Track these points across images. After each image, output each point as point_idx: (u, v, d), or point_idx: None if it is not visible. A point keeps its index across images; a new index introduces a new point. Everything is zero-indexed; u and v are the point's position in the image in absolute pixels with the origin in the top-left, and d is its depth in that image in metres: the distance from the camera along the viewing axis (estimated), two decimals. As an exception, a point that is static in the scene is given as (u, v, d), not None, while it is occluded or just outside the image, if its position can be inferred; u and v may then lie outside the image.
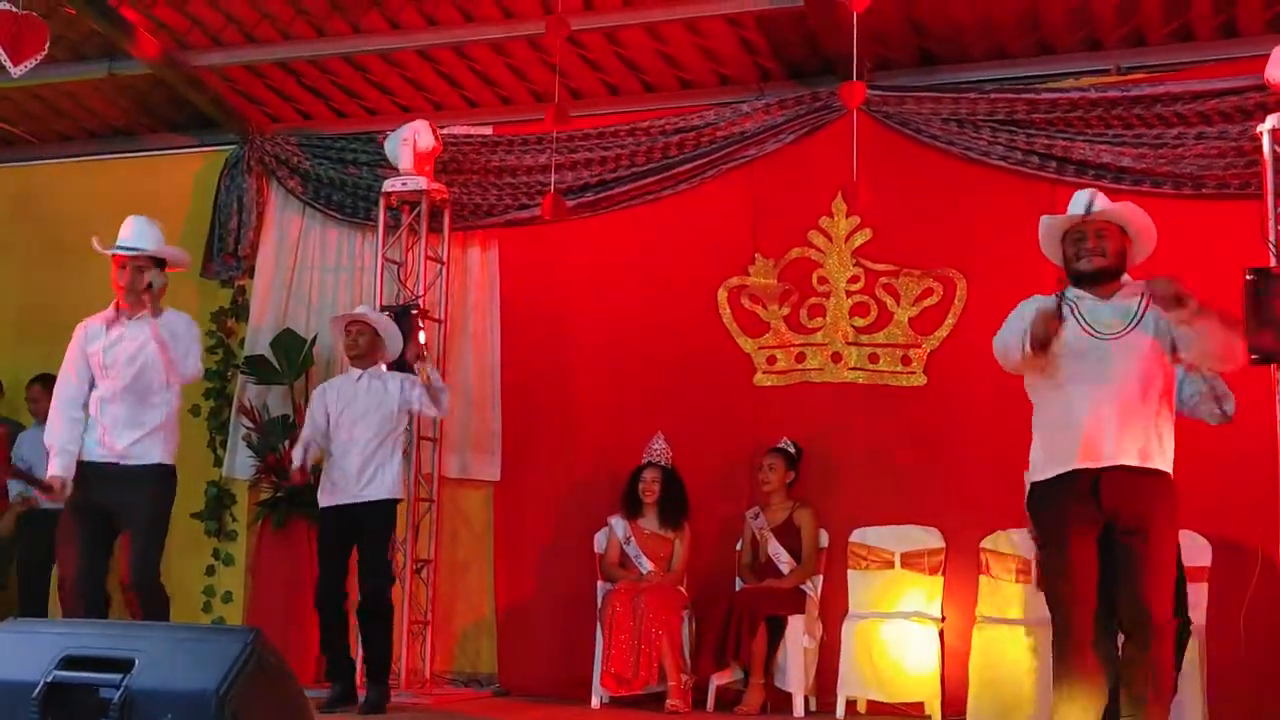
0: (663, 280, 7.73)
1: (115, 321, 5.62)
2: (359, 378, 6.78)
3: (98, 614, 5.44)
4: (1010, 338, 4.44)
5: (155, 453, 5.52)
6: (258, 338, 8.24)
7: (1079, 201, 4.56)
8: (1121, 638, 4.31)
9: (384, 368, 6.88)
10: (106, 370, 5.55)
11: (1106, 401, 4.30)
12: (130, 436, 5.50)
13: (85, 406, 5.61)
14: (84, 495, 5.54)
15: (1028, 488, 4.51)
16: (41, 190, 8.97)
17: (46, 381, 7.87)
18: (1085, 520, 4.27)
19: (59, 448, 5.53)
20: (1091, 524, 4.27)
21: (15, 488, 8.01)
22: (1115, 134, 6.96)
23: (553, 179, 7.33)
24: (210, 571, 8.27)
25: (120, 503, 5.44)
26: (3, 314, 8.83)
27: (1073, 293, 4.47)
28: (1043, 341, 4.27)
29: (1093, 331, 4.38)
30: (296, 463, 6.64)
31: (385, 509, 6.65)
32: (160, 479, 5.55)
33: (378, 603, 6.57)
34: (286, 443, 7.73)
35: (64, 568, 5.54)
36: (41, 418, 8.32)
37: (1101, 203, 4.52)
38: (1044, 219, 4.63)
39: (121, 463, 5.49)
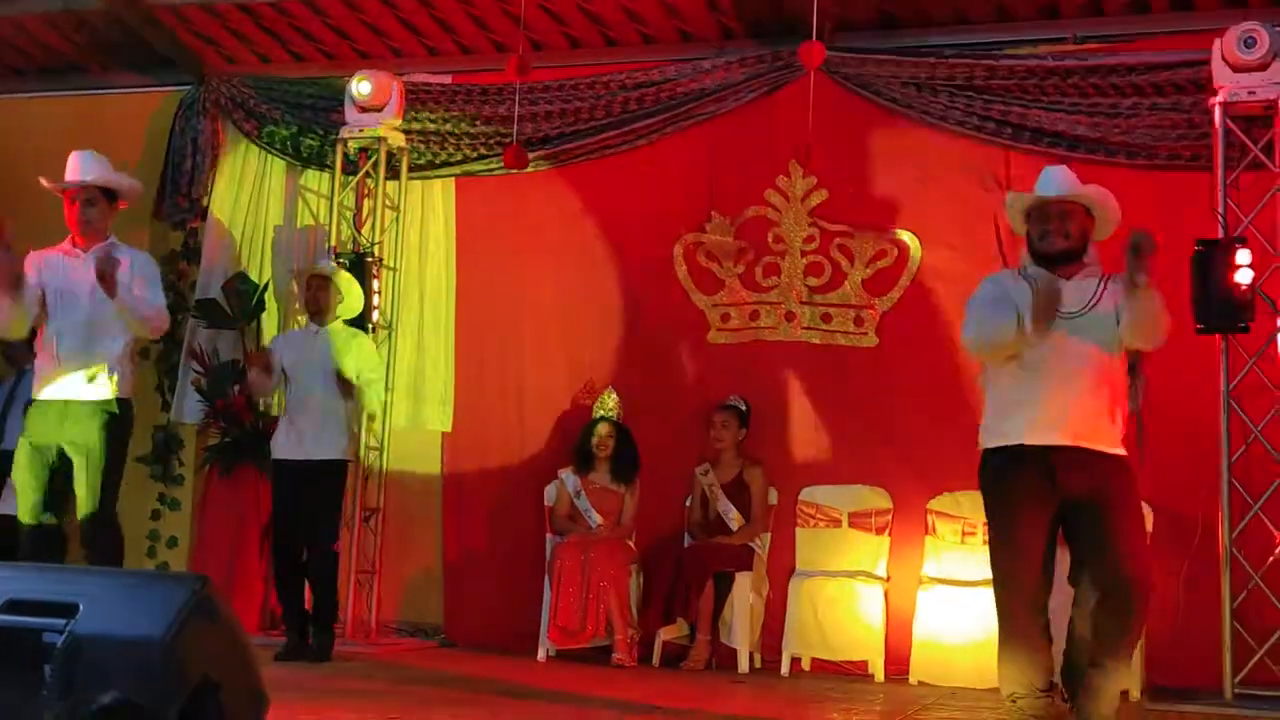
0: (619, 235, 7.70)
1: (70, 254, 5.51)
2: (315, 332, 6.72)
3: (54, 555, 5.34)
4: (990, 325, 4.34)
5: (110, 387, 5.41)
6: (210, 281, 8.14)
7: (1046, 181, 4.53)
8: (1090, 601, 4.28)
9: (342, 324, 6.82)
10: (61, 301, 5.44)
11: (1063, 380, 4.29)
12: (86, 372, 5.38)
13: (37, 303, 5.47)
14: (39, 433, 5.43)
15: (981, 455, 4.51)
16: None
17: None
18: (1037, 494, 4.27)
19: None
20: (1044, 499, 4.26)
21: None
22: (1071, 102, 6.97)
23: (515, 130, 7.24)
24: (155, 516, 8.19)
25: (73, 440, 5.34)
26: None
27: (1034, 270, 4.46)
28: (1049, 319, 4.21)
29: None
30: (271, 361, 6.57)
31: (338, 468, 6.62)
32: (115, 412, 5.43)
33: (322, 555, 6.56)
34: (236, 388, 7.66)
35: (21, 510, 5.43)
36: (11, 360, 8.24)
37: (1068, 184, 4.49)
38: (1010, 195, 4.61)
39: (78, 398, 5.38)
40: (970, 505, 6.62)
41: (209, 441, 7.95)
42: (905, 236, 7.27)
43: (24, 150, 8.25)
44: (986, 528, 4.50)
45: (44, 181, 5.55)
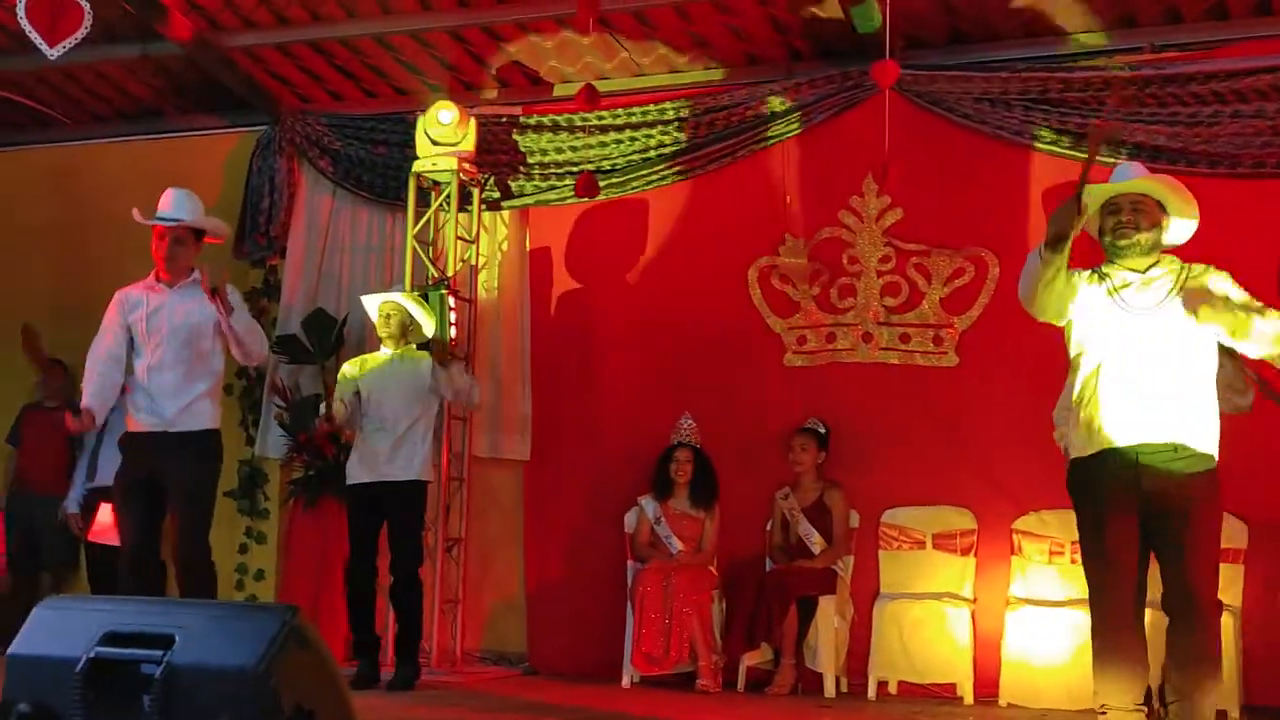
0: (692, 260, 7.70)
1: (155, 290, 5.63)
2: (390, 359, 6.79)
3: (154, 586, 5.45)
4: (1026, 268, 4.29)
5: (202, 418, 5.53)
6: (289, 317, 8.25)
7: (1116, 175, 4.49)
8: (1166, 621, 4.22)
9: (415, 349, 6.90)
10: (150, 339, 5.56)
11: (1143, 382, 4.22)
12: (177, 404, 5.50)
13: (122, 367, 5.60)
14: (134, 466, 5.56)
15: (1067, 465, 4.44)
16: (76, 170, 8.98)
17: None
18: (1124, 501, 4.20)
19: (90, 394, 5.50)
20: (1130, 505, 4.20)
21: (80, 491, 8.11)
22: (1150, 112, 6.89)
23: (585, 159, 7.28)
24: (243, 549, 8.31)
25: (168, 473, 5.44)
26: (38, 293, 8.82)
27: (1106, 267, 4.41)
28: (1061, 233, 4.10)
29: (1127, 306, 4.30)
30: (338, 418, 6.65)
31: (414, 490, 6.67)
32: (207, 444, 5.55)
33: (408, 583, 6.61)
34: (318, 421, 7.74)
35: (122, 541, 5.56)
36: (54, 394, 8.44)
37: (1139, 177, 4.45)
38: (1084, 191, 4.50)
39: (170, 430, 5.49)
40: (1057, 524, 6.56)
41: (293, 475, 8.05)
42: (983, 254, 7.21)
43: (106, 193, 8.44)
44: (1078, 538, 4.42)
45: (136, 215, 5.68)
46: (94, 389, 5.54)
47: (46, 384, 8.51)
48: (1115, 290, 4.32)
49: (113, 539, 6.82)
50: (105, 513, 7.54)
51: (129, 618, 3.37)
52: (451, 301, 7.63)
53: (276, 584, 8.14)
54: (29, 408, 8.56)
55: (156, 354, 5.55)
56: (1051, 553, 6.60)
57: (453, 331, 7.60)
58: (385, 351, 6.86)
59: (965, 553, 6.88)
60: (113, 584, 7.26)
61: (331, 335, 8.01)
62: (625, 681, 6.91)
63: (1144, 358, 4.23)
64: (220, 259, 7.65)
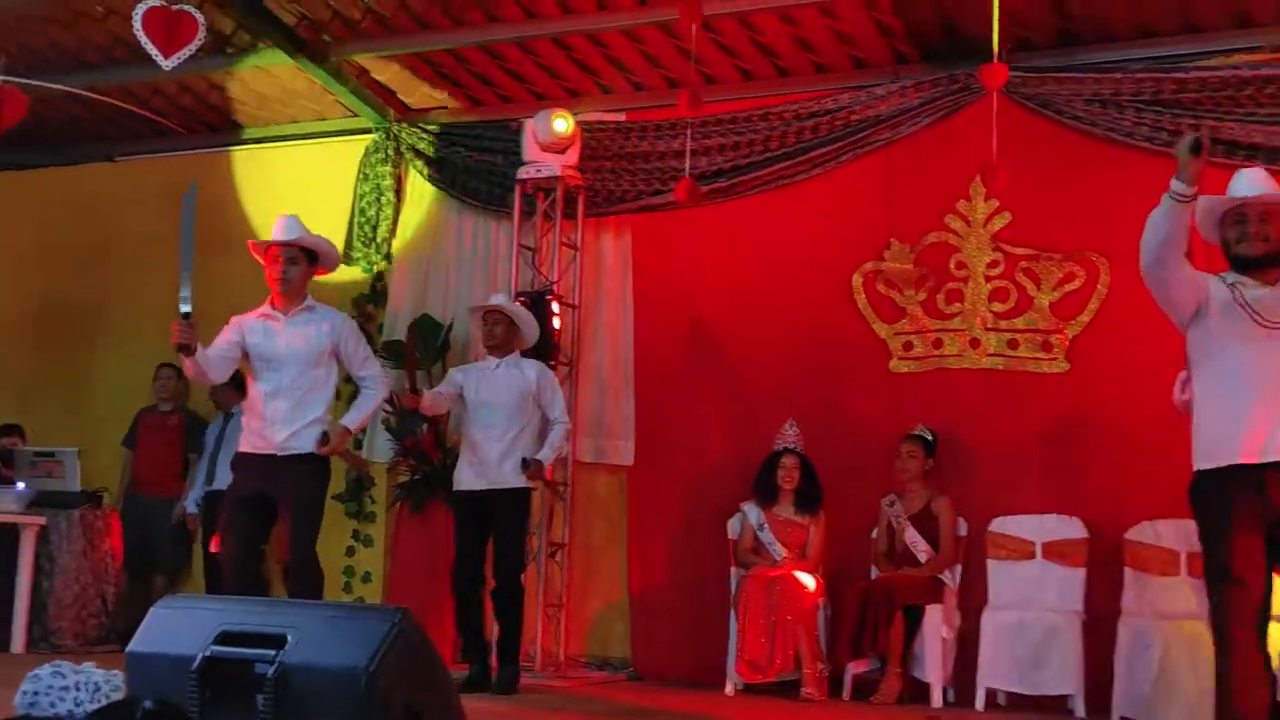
0: (796, 265, 7.67)
1: (270, 318, 5.77)
2: (496, 366, 6.85)
3: (254, 590, 5.57)
4: (1149, 223, 4.13)
5: (311, 441, 5.64)
6: (396, 323, 8.35)
7: (1241, 182, 4.35)
8: None
9: (519, 355, 6.94)
10: (267, 366, 5.68)
11: (1270, 395, 4.09)
12: (289, 429, 5.63)
13: (233, 360, 5.74)
14: (242, 484, 5.70)
15: (1193, 476, 4.32)
16: (186, 180, 9.17)
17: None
18: (1250, 517, 4.07)
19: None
20: (1257, 520, 4.08)
21: (196, 494, 8.36)
22: (1268, 113, 6.72)
23: (687, 164, 7.29)
24: (350, 552, 8.43)
25: (279, 489, 5.57)
26: (156, 304, 8.99)
27: (1233, 277, 4.28)
28: (1193, 176, 3.94)
29: (1258, 318, 4.15)
30: (424, 397, 6.69)
31: (520, 497, 6.72)
32: (315, 467, 5.67)
33: (510, 588, 6.65)
34: (424, 426, 7.83)
35: (224, 553, 5.71)
36: (168, 398, 8.61)
37: (1267, 184, 4.31)
38: (1201, 199, 4.30)
39: (279, 454, 5.62)
40: (1171, 535, 6.42)
41: (399, 479, 8.14)
42: (1094, 258, 7.10)
43: (220, 203, 8.62)
44: (1200, 551, 4.30)
45: (250, 245, 5.81)
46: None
47: (161, 388, 8.70)
48: (1247, 302, 4.17)
49: None
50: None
51: (243, 617, 3.45)
52: (555, 307, 7.68)
53: (383, 586, 8.25)
54: (145, 412, 8.76)
55: (271, 382, 5.68)
56: (1166, 564, 6.45)
57: (556, 336, 7.66)
58: (490, 360, 6.91)
59: (1076, 563, 6.75)
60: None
61: (437, 340, 8.08)
62: (729, 688, 6.90)
63: (1270, 370, 4.10)
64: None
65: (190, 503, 8.40)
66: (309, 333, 5.72)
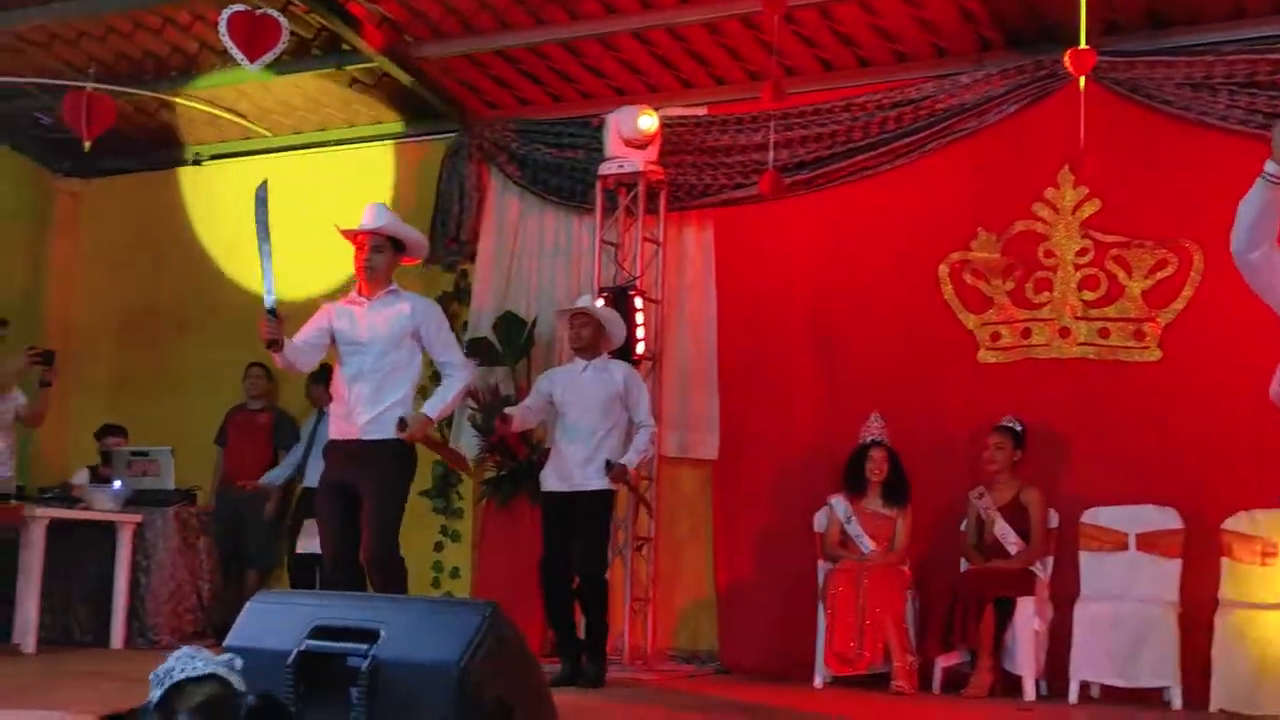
0: (881, 257, 7.64)
1: (356, 304, 5.80)
2: (583, 369, 6.86)
3: (353, 583, 5.57)
4: (1243, 203, 4.02)
5: (391, 426, 5.64)
6: (480, 320, 8.42)
7: None
8: None
9: (607, 356, 6.95)
10: (354, 350, 5.72)
11: None
12: (370, 413, 5.64)
13: (318, 349, 5.81)
14: (330, 472, 5.74)
15: None
16: (273, 181, 9.31)
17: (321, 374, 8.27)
18: None
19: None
20: None
21: (281, 476, 8.52)
22: (1370, 91, 6.56)
23: (770, 157, 7.27)
24: (438, 548, 8.52)
25: (360, 478, 5.60)
26: (237, 305, 9.15)
27: None
28: None
29: None
30: (514, 419, 6.74)
31: (603, 499, 6.72)
32: (396, 453, 5.67)
33: (593, 587, 6.68)
34: (496, 423, 7.83)
35: (323, 546, 5.75)
36: (258, 396, 8.78)
37: None
38: None
39: (361, 438, 5.64)
40: (1269, 524, 6.32)
41: (485, 475, 8.18)
42: (1187, 244, 6.97)
43: (304, 203, 8.71)
44: None
45: (337, 227, 5.86)
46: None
47: (251, 386, 8.83)
48: None
49: (317, 548, 7.05)
50: (310, 525, 7.79)
51: (336, 612, 3.49)
52: (638, 303, 7.69)
53: (472, 581, 8.30)
54: (235, 410, 8.90)
55: (354, 364, 5.72)
56: (1264, 554, 6.33)
57: (640, 331, 7.67)
58: (578, 362, 6.93)
59: (1171, 554, 6.64)
60: (313, 585, 7.51)
61: (521, 337, 8.13)
62: (817, 681, 6.88)
63: None
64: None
65: (273, 478, 8.52)
66: (390, 315, 5.74)
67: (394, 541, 5.62)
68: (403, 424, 5.61)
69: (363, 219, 5.82)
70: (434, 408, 5.81)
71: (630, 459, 6.73)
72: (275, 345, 5.51)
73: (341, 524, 5.63)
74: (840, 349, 7.69)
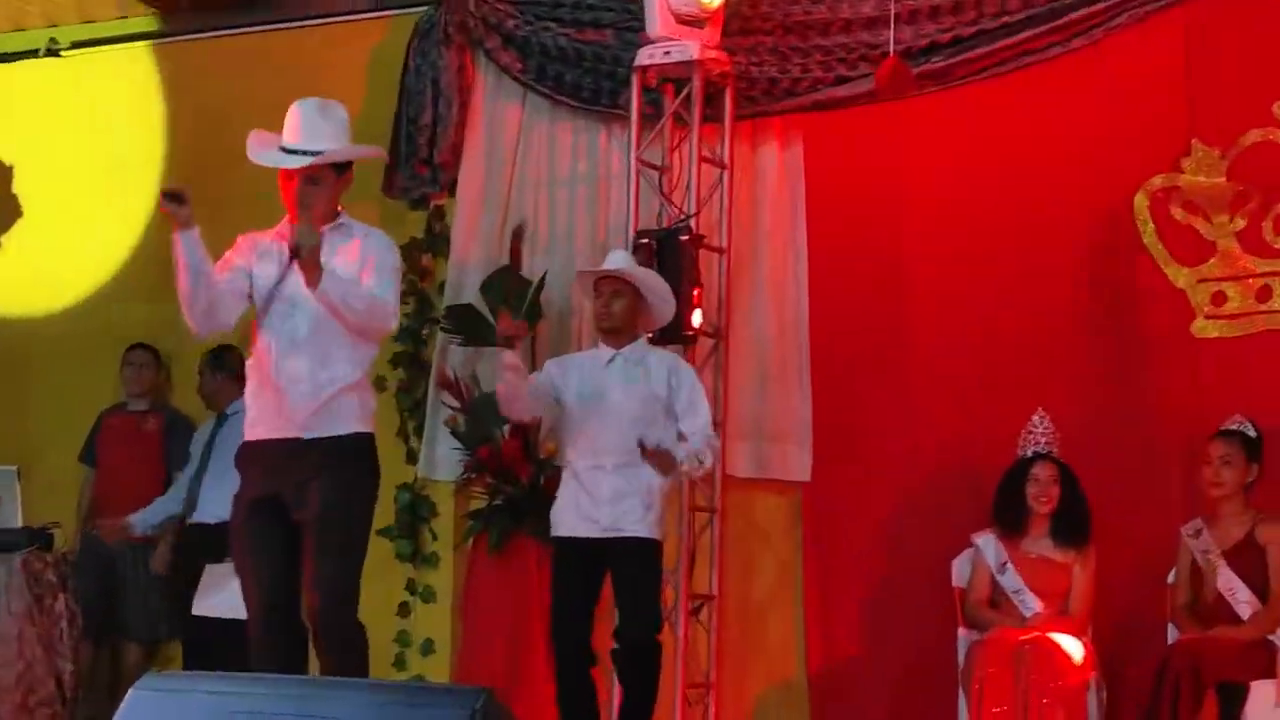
0: (1049, 184, 7.63)
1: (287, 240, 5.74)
2: (610, 359, 6.81)
3: (292, 651, 5.55)
4: None
5: (348, 420, 5.62)
6: (463, 280, 8.41)
7: None
8: None
9: (645, 341, 6.93)
10: (277, 311, 5.67)
11: None
12: (313, 402, 5.60)
13: (236, 295, 5.73)
14: (255, 486, 5.69)
15: None
16: (183, 75, 9.38)
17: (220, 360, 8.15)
18: None
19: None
20: None
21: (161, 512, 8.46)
22: None
23: (889, 36, 7.19)
24: (404, 611, 8.50)
25: (302, 492, 5.56)
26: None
27: None
28: None
29: None
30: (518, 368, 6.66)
31: (649, 549, 6.72)
32: (356, 456, 5.65)
33: (640, 652, 6.67)
34: (505, 428, 7.82)
35: (248, 595, 5.69)
36: (142, 392, 8.78)
37: None
38: None
39: (304, 436, 5.60)
40: None
41: (471, 505, 8.17)
42: None
43: (220, 103, 8.72)
44: None
45: (252, 154, 5.77)
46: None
47: (132, 377, 8.79)
48: None
49: (227, 609, 6.96)
50: (213, 576, 7.75)
51: (265, 703, 3.44)
52: (694, 253, 7.63)
53: (452, 660, 8.31)
54: (110, 412, 8.92)
55: (285, 331, 5.65)
56: None
57: (696, 295, 7.59)
58: (604, 350, 6.87)
59: None
60: (233, 658, 7.47)
61: (524, 304, 8.05)
62: (959, 799, 6.94)
63: None
64: (364, 196, 7.78)
65: (138, 522, 8.45)
66: (342, 258, 5.67)
67: (354, 589, 5.60)
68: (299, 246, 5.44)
69: (288, 132, 5.73)
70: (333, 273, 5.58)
71: (679, 452, 6.58)
72: (178, 199, 5.42)
73: (274, 561, 5.59)
74: (988, 320, 7.71)
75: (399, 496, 8.41)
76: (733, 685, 7.88)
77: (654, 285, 6.94)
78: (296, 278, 5.61)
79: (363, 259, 5.71)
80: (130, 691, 3.66)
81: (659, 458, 6.51)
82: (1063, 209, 7.59)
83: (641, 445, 6.51)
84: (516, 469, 7.85)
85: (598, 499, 6.65)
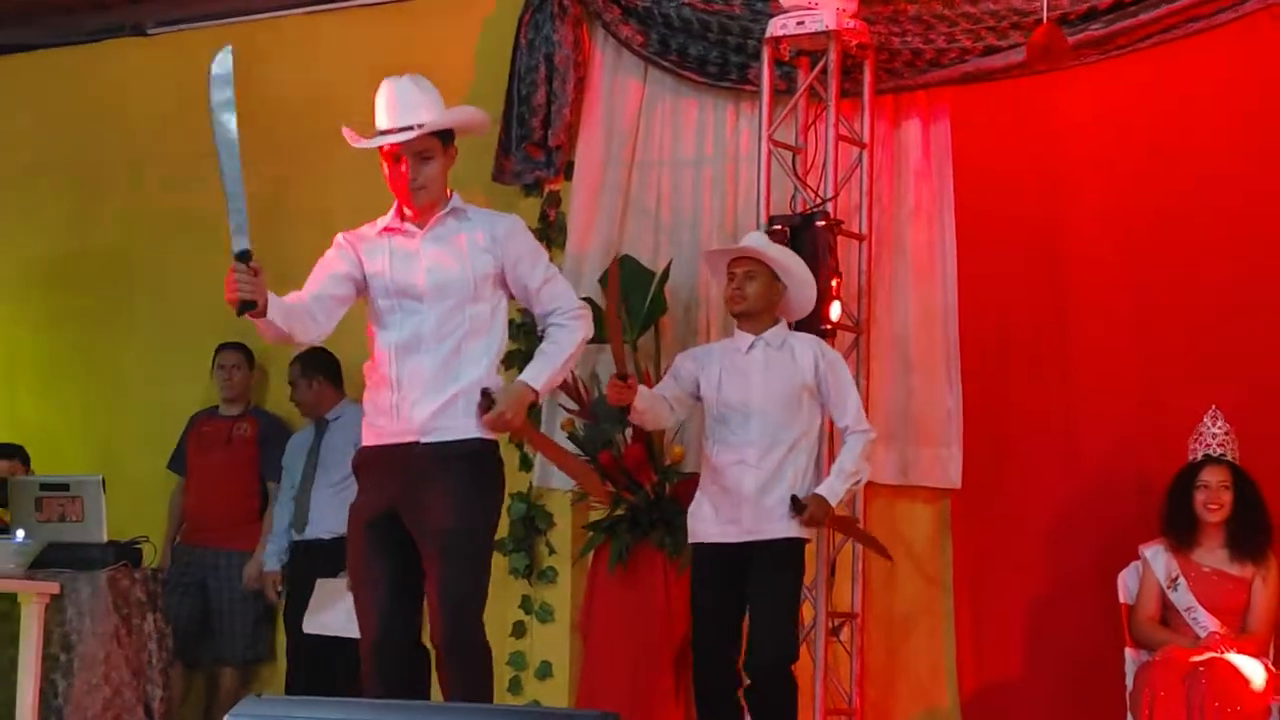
0: (1217, 162, 7.57)
1: (402, 232, 5.75)
2: (750, 346, 6.84)
3: (410, 680, 5.56)
4: None
5: (470, 423, 5.60)
6: (580, 270, 8.44)
7: None
8: None
9: (786, 326, 6.94)
10: (404, 306, 5.69)
11: None
12: (435, 402, 5.61)
13: (329, 310, 5.71)
14: (373, 498, 5.71)
15: None
16: (263, 55, 9.37)
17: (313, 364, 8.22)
18: None
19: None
20: None
21: (284, 537, 8.57)
22: None
23: (1044, 2, 7.16)
24: (519, 631, 8.51)
25: (423, 504, 5.57)
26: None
27: None
28: None
29: None
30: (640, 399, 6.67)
31: (791, 551, 6.73)
32: (481, 463, 5.66)
33: (773, 680, 6.67)
34: (628, 432, 7.81)
35: (363, 617, 5.70)
36: (235, 396, 8.89)
37: None
38: None
39: (423, 440, 5.61)
40: None
41: (591, 516, 8.21)
42: None
43: (308, 87, 8.78)
44: None
45: (350, 138, 5.78)
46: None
47: (226, 379, 8.85)
48: None
49: (339, 626, 6.98)
50: (324, 591, 7.79)
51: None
52: (833, 240, 7.63)
53: (570, 684, 8.32)
54: (201, 417, 9.00)
55: (406, 328, 5.67)
56: None
57: (835, 285, 7.57)
58: (742, 337, 6.89)
59: None
60: (330, 687, 7.50)
61: (646, 298, 8.10)
62: (1133, 832, 6.90)
63: None
64: (472, 181, 7.77)
65: (271, 557, 8.53)
66: (461, 246, 5.69)
67: (480, 606, 5.62)
68: (487, 400, 5.55)
69: (383, 113, 5.70)
70: (540, 374, 5.72)
71: (834, 488, 6.70)
72: (249, 306, 5.40)
73: (394, 581, 5.60)
74: (1154, 311, 7.67)
75: (513, 507, 8.40)
76: (877, 711, 7.87)
77: (792, 268, 6.95)
78: (415, 272, 5.66)
79: (509, 257, 5.72)
80: (226, 718, 3.64)
81: (811, 512, 6.59)
82: (1236, 187, 7.53)
83: (795, 501, 6.56)
84: (640, 476, 7.88)
85: (740, 498, 6.69)
